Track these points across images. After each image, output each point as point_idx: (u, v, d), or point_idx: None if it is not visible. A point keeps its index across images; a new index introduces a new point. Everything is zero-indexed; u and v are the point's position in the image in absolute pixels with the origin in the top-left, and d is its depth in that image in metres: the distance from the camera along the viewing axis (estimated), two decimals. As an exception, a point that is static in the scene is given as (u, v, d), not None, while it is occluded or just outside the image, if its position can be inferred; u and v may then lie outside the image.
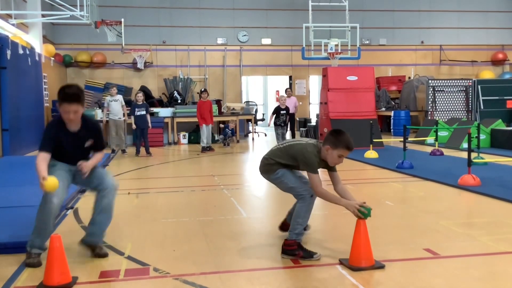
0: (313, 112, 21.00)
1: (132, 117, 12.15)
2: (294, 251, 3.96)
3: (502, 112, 17.00)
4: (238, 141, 15.94)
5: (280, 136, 12.46)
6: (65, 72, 19.34)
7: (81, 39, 19.21)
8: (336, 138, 3.91)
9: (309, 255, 3.93)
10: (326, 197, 3.96)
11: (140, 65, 17.77)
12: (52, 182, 3.64)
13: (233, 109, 16.97)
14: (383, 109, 18.91)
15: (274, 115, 12.52)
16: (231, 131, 14.83)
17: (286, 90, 15.77)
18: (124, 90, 18.22)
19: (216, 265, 3.87)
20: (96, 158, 4.17)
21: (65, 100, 3.86)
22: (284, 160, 4.13)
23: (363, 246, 3.69)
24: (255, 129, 17.39)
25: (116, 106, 12.30)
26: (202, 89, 13.51)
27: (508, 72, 22.40)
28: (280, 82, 22.26)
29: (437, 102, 17.43)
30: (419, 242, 4.38)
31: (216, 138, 15.28)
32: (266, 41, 20.99)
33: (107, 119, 12.75)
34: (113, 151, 12.51)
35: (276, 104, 14.04)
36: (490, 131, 12.48)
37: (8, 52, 11.32)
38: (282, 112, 12.43)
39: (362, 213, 3.72)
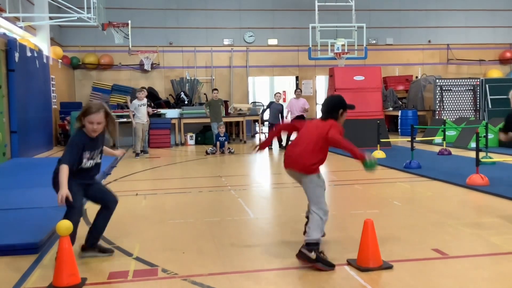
0: (320, 112, 20.96)
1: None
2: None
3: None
4: (245, 142, 15.95)
5: None
6: (73, 74, 19.44)
7: (89, 41, 19.30)
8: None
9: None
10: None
11: (147, 66, 17.83)
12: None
13: (240, 109, 16.98)
14: (391, 108, 18.85)
15: None
16: (224, 137, 12.86)
17: (295, 91, 14.27)
18: (131, 92, 18.29)
19: (224, 266, 3.88)
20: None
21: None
22: None
23: (371, 246, 3.68)
24: (262, 129, 17.39)
25: (144, 110, 12.22)
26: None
27: (516, 70, 22.28)
28: (287, 83, 22.25)
29: (445, 101, 17.35)
30: (427, 242, 4.37)
31: (208, 150, 12.71)
32: (273, 41, 20.98)
33: (136, 121, 12.17)
34: (137, 155, 12.10)
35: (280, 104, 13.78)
36: (498, 130, 12.39)
37: (16, 55, 11.39)
38: None
39: (369, 165, 3.77)
